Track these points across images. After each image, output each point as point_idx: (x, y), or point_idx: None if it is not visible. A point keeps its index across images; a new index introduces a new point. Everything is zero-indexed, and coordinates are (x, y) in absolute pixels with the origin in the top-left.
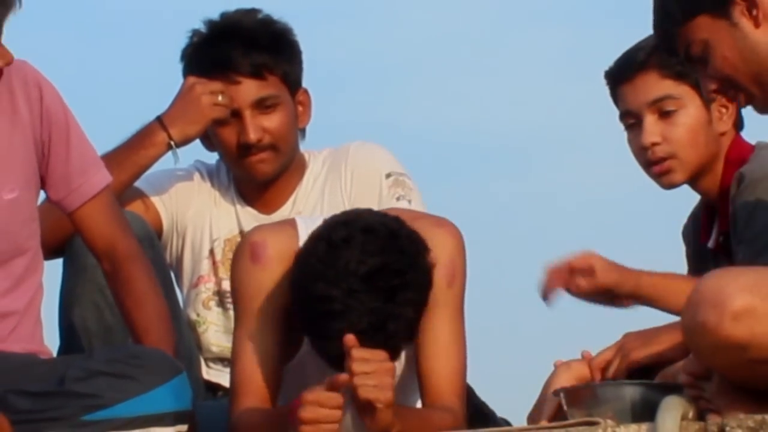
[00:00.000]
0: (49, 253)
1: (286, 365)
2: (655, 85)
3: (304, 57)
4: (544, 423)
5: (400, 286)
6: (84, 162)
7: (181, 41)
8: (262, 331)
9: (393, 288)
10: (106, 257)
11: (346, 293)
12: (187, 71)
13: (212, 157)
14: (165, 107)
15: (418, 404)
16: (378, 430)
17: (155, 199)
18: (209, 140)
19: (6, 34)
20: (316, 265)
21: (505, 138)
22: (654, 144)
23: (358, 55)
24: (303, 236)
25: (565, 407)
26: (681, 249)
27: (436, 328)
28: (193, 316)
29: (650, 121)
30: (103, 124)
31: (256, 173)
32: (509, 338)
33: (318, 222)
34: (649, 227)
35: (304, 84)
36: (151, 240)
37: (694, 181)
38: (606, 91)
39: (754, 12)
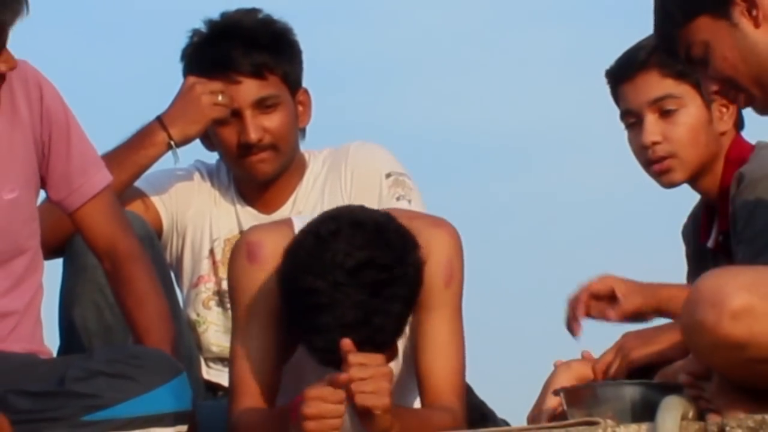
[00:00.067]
0: (49, 252)
1: (284, 365)
2: (655, 85)
3: (304, 57)
4: (544, 423)
5: (387, 281)
6: (84, 161)
7: (181, 41)
8: (259, 330)
9: (379, 282)
10: (107, 257)
11: (332, 286)
12: (187, 71)
13: (212, 157)
14: (165, 107)
15: (417, 404)
16: None
17: (155, 199)
18: (209, 140)
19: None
20: (303, 258)
21: (505, 138)
22: (654, 143)
23: (358, 55)
24: None
25: (565, 407)
26: (681, 249)
27: (435, 328)
28: (193, 316)
29: (651, 120)
30: (103, 124)
31: (257, 173)
32: (509, 338)
33: None
34: (649, 227)
35: (304, 84)
36: (151, 240)
37: (694, 181)
38: (606, 90)
39: (754, 12)
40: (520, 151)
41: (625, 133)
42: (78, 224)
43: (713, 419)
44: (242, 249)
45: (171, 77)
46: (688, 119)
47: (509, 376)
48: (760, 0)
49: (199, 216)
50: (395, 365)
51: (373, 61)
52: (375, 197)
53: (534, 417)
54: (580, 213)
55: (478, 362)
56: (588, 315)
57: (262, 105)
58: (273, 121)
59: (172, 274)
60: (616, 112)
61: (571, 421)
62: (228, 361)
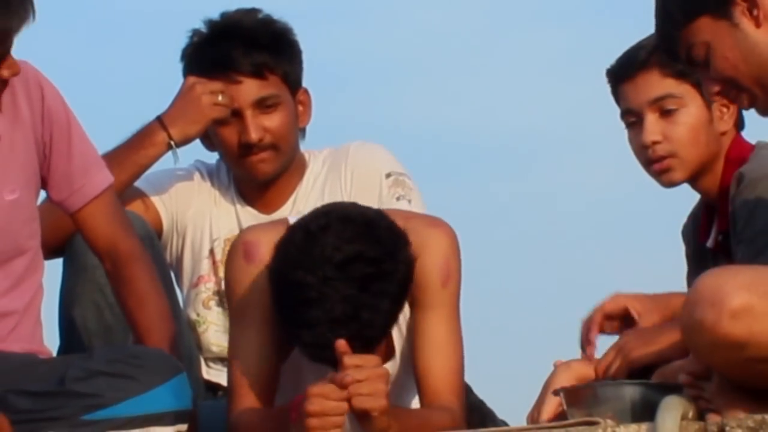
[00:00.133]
0: (49, 252)
1: (282, 364)
2: (656, 84)
3: (304, 57)
4: (544, 423)
5: (375, 276)
6: (86, 162)
7: (181, 41)
8: (257, 330)
9: (368, 276)
10: (108, 257)
11: (321, 280)
12: (188, 71)
13: (212, 157)
14: (165, 107)
15: (415, 403)
16: None
17: (155, 199)
18: (209, 140)
19: None
20: (293, 252)
21: (505, 138)
22: (654, 142)
23: (358, 55)
24: None
25: (564, 407)
26: (681, 249)
27: (433, 327)
28: (193, 316)
29: (651, 119)
30: (103, 124)
31: (257, 173)
32: (509, 338)
33: None
34: (649, 227)
35: (304, 84)
36: (151, 240)
37: (694, 180)
38: (606, 90)
39: (755, 12)
40: (520, 151)
41: (625, 133)
42: (79, 225)
43: (713, 419)
44: (239, 249)
45: (171, 77)
46: (688, 119)
47: (509, 376)
48: (760, 0)
49: (199, 216)
50: (392, 365)
51: (373, 61)
52: (375, 197)
53: (534, 417)
54: (580, 213)
55: (478, 362)
56: (602, 332)
57: (263, 105)
58: (273, 120)
59: (172, 274)
60: (616, 112)
61: (571, 421)
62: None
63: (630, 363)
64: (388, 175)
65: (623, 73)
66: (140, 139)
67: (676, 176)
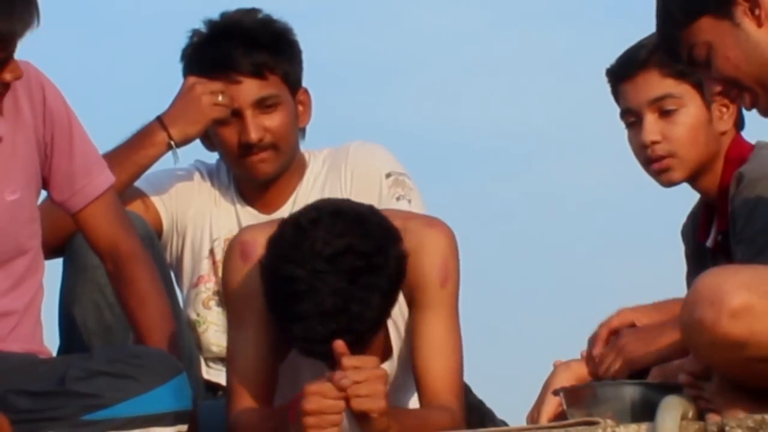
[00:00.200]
0: (49, 252)
1: (280, 363)
2: (655, 84)
3: (304, 57)
4: (543, 423)
5: (365, 269)
6: (87, 162)
7: (181, 41)
8: (255, 329)
9: (358, 269)
10: (109, 257)
11: (311, 274)
12: (188, 71)
13: (212, 157)
14: (165, 107)
15: (412, 403)
16: None
17: (155, 199)
18: (209, 140)
19: None
20: (283, 246)
21: (505, 138)
22: (653, 142)
23: (358, 55)
24: None
25: (564, 407)
26: (680, 248)
27: (431, 327)
28: (193, 316)
29: (650, 119)
30: (103, 124)
31: (257, 173)
32: (509, 338)
33: None
34: (649, 227)
35: (304, 84)
36: (152, 240)
37: (693, 180)
38: (606, 90)
39: (757, 12)
40: (520, 151)
41: (624, 133)
42: (81, 225)
43: (713, 419)
44: (236, 248)
45: (171, 77)
46: (687, 119)
47: (509, 376)
48: (762, 0)
49: (199, 216)
50: (390, 365)
51: (373, 61)
52: (375, 197)
53: (533, 417)
54: (579, 213)
55: (477, 362)
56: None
57: (263, 105)
58: (273, 120)
59: (172, 274)
60: (616, 111)
61: (570, 421)
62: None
63: (630, 363)
64: (388, 175)
65: (623, 73)
66: (140, 139)
67: (675, 176)
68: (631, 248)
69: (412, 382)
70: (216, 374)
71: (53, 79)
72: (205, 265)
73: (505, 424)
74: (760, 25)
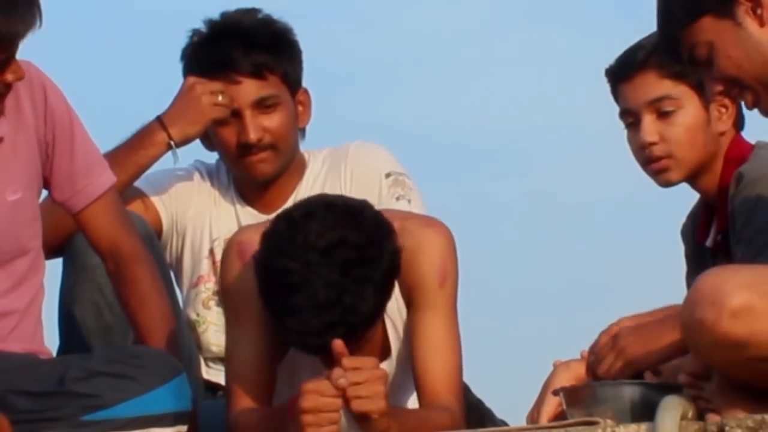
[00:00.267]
0: (49, 252)
1: (279, 362)
2: (654, 85)
3: (304, 57)
4: (543, 423)
5: (358, 261)
6: (88, 162)
7: (181, 41)
8: (253, 329)
9: (350, 262)
10: (110, 257)
11: (304, 266)
12: (187, 71)
13: (212, 157)
14: (165, 107)
15: (411, 403)
16: None
17: (155, 199)
18: (209, 140)
19: None
20: (277, 240)
21: (505, 138)
22: (652, 143)
23: (358, 55)
24: None
25: (564, 407)
26: (680, 248)
27: (430, 327)
28: (193, 316)
29: (648, 120)
30: (103, 124)
31: (257, 173)
32: (509, 338)
33: None
34: (649, 227)
35: (304, 84)
36: (151, 240)
37: (692, 180)
38: (606, 90)
39: (759, 11)
40: (520, 151)
41: (624, 133)
42: (82, 225)
43: (713, 419)
44: (233, 248)
45: (171, 77)
46: (685, 120)
47: (509, 376)
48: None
49: (199, 216)
50: (388, 365)
51: (373, 61)
52: (375, 197)
53: (533, 417)
54: (580, 213)
55: (477, 363)
56: None
57: (262, 105)
58: (273, 121)
59: (172, 274)
60: (616, 111)
61: (570, 421)
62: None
63: (630, 364)
64: (387, 175)
65: (621, 74)
66: (140, 139)
67: (673, 176)
68: (631, 248)
69: (411, 381)
70: (216, 374)
71: (53, 78)
72: (205, 265)
73: (504, 423)
74: (762, 24)
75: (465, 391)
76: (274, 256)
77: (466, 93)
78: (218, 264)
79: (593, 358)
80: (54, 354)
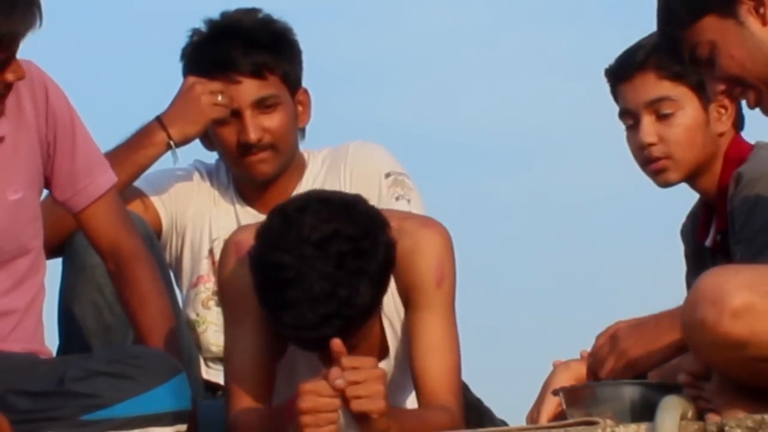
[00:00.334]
0: (49, 252)
1: (278, 362)
2: (653, 86)
3: (304, 57)
4: (543, 423)
5: (353, 253)
6: (90, 162)
7: (181, 41)
8: (251, 328)
9: (345, 254)
10: (111, 257)
11: (299, 260)
12: (187, 71)
13: (211, 157)
14: (165, 107)
15: (410, 402)
16: None
17: (154, 199)
18: (209, 140)
19: None
20: (271, 235)
21: (504, 138)
22: (650, 144)
23: (358, 55)
24: None
25: (564, 407)
26: (680, 248)
27: (428, 327)
28: (193, 316)
29: (647, 121)
30: (103, 124)
31: (256, 173)
32: (508, 338)
33: None
34: (649, 227)
35: (304, 84)
36: (151, 240)
37: (692, 180)
38: (606, 90)
39: (762, 11)
40: (520, 151)
41: (624, 133)
42: (83, 224)
43: (712, 419)
44: (230, 248)
45: (171, 77)
46: (684, 121)
47: (508, 376)
48: None
49: (199, 216)
50: (386, 365)
51: (373, 61)
52: (374, 197)
53: (533, 417)
54: (580, 212)
55: (477, 363)
56: None
57: (262, 105)
58: (273, 120)
59: (172, 274)
60: (616, 111)
61: (570, 420)
62: None
63: (631, 364)
64: (387, 175)
65: (621, 74)
66: (139, 139)
67: (672, 177)
68: (631, 248)
69: (409, 381)
70: (215, 374)
71: (53, 78)
72: (205, 265)
73: (504, 423)
74: (764, 23)
75: (464, 390)
76: (268, 251)
77: (466, 93)
78: (217, 264)
79: (593, 360)
80: (54, 354)
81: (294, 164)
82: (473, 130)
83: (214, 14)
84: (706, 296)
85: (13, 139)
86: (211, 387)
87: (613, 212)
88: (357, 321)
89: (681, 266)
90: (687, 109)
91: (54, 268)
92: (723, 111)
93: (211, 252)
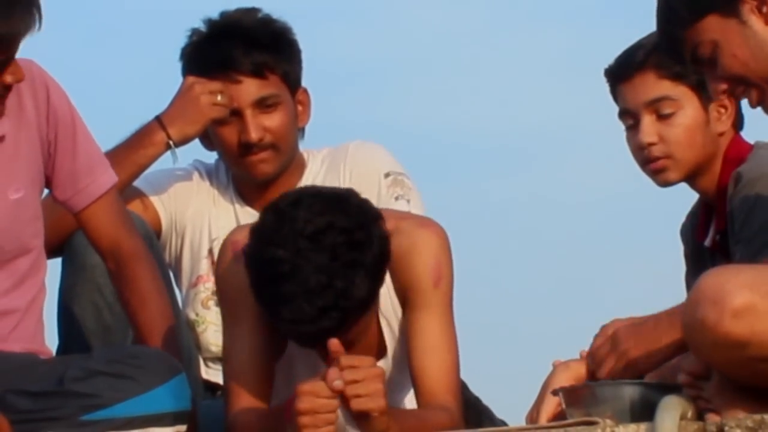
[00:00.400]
0: (49, 251)
1: (276, 361)
2: (652, 86)
3: (304, 57)
4: (543, 422)
5: (347, 245)
6: (90, 161)
7: (181, 41)
8: (249, 327)
9: (339, 246)
10: (111, 257)
11: (294, 253)
12: (187, 70)
13: (211, 157)
14: (164, 107)
15: (408, 401)
16: None
17: (154, 199)
18: (208, 140)
19: None
20: (265, 231)
21: (504, 138)
22: (650, 144)
23: (358, 55)
24: None
25: (564, 407)
26: (679, 248)
27: (426, 327)
28: (192, 316)
29: (647, 121)
30: (103, 123)
31: (257, 173)
32: (508, 338)
33: None
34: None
35: (304, 83)
36: (151, 240)
37: (691, 180)
38: (606, 90)
39: (764, 9)
40: (519, 151)
41: (624, 133)
42: (83, 224)
43: (712, 419)
44: (228, 248)
45: (171, 77)
46: (684, 121)
47: (508, 375)
48: None
49: (198, 216)
50: (384, 364)
51: (373, 61)
52: (374, 196)
53: (533, 417)
54: (579, 213)
55: (477, 362)
56: None
57: (263, 104)
58: (273, 120)
59: (171, 274)
60: (616, 111)
61: (570, 420)
62: None
63: (631, 365)
64: (386, 175)
65: (620, 74)
66: (139, 138)
67: (671, 176)
68: (630, 248)
69: (408, 380)
70: (215, 374)
71: (54, 78)
72: (204, 265)
73: (504, 423)
74: (767, 22)
75: (462, 389)
76: (263, 247)
77: (466, 93)
78: (215, 264)
79: (591, 360)
80: (54, 354)
81: (294, 164)
82: (473, 130)
83: (214, 14)
84: (706, 296)
85: (14, 138)
86: (210, 387)
87: (613, 212)
88: (355, 313)
89: (681, 266)
90: (687, 108)
91: (54, 267)
92: (723, 111)
93: (210, 252)
